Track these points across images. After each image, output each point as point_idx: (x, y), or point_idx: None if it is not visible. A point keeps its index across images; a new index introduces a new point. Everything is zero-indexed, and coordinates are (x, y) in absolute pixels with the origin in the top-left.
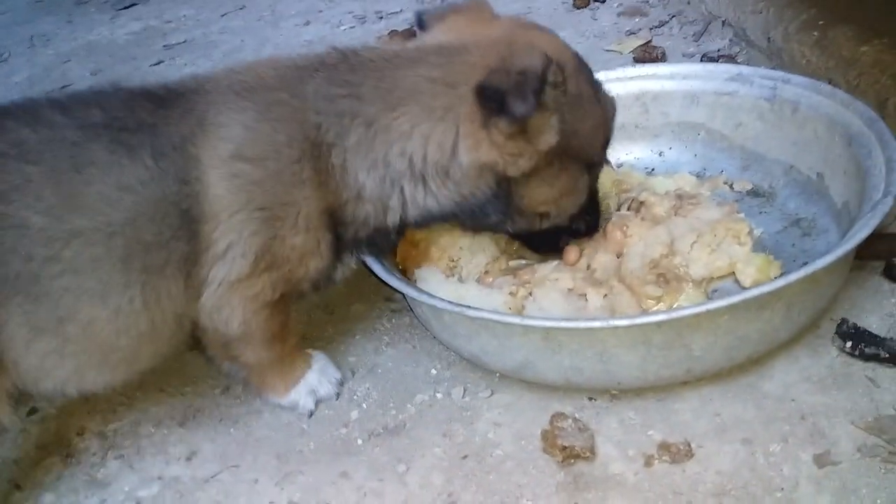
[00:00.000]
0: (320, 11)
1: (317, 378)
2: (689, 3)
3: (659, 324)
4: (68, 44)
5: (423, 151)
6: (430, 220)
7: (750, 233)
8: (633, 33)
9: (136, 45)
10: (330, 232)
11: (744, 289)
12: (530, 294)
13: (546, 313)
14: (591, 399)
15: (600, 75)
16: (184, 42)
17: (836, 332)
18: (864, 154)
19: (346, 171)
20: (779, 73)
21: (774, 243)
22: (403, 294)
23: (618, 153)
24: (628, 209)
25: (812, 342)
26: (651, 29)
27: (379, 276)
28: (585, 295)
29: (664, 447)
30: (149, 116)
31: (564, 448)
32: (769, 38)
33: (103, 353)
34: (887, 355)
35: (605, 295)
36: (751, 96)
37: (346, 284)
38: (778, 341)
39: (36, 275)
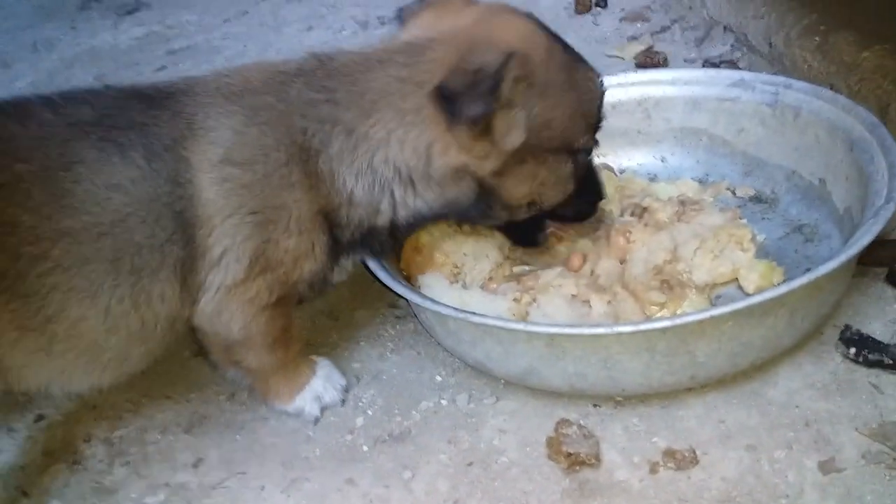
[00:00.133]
0: (322, 17)
1: (322, 384)
2: (690, 8)
3: (663, 330)
4: (72, 49)
5: (402, 157)
6: (422, 220)
7: (753, 239)
8: (635, 38)
9: (140, 51)
10: (325, 234)
11: (747, 295)
12: (534, 300)
13: (550, 319)
14: (595, 406)
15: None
16: (187, 48)
17: (840, 339)
18: (866, 159)
19: (335, 177)
20: (780, 79)
21: (777, 249)
22: (408, 300)
23: (620, 159)
24: (631, 215)
25: (816, 349)
26: (653, 34)
27: (383, 282)
28: (589, 301)
29: (669, 454)
30: (139, 116)
31: (569, 455)
32: (771, 44)
33: (92, 353)
34: (891, 361)
35: (609, 301)
36: (753, 102)
37: (350, 290)
38: (782, 348)
39: (23, 273)
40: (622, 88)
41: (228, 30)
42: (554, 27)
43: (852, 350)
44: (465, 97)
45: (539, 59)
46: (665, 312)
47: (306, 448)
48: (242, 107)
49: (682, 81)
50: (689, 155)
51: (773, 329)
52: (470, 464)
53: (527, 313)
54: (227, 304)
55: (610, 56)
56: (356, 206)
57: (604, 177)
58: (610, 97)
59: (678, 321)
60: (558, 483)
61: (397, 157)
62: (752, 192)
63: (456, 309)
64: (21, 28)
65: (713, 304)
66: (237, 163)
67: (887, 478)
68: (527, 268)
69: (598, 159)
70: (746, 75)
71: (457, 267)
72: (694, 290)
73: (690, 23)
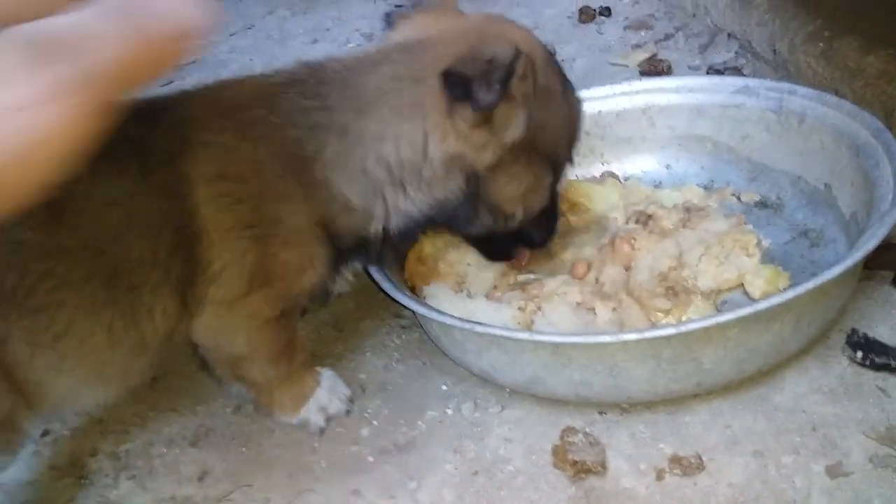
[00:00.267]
0: (328, 30)
1: (326, 395)
2: (694, 15)
3: (668, 337)
4: None
5: (397, 154)
6: (412, 226)
7: (758, 244)
8: (639, 46)
9: None
10: (324, 245)
11: (752, 300)
12: (539, 309)
13: (555, 328)
14: (601, 413)
15: (606, 89)
16: (193, 62)
17: (846, 343)
18: (872, 165)
19: (330, 185)
20: (785, 85)
21: (783, 254)
22: (413, 311)
23: (625, 167)
24: (636, 222)
25: (822, 353)
26: (657, 42)
27: (388, 292)
28: (594, 309)
29: (675, 460)
30: (133, 128)
31: (575, 463)
32: (775, 50)
33: (97, 369)
34: None
35: (614, 308)
36: (757, 108)
37: (355, 301)
38: (788, 353)
39: (32, 289)
40: (626, 97)
41: (234, 43)
42: (558, 36)
43: (859, 354)
44: (478, 82)
45: (540, 64)
46: (670, 319)
47: (312, 459)
48: (234, 122)
49: (686, 89)
50: (694, 161)
51: (779, 335)
52: (475, 473)
53: (532, 322)
54: (230, 319)
55: (614, 64)
56: (352, 212)
57: (609, 184)
58: (614, 106)
59: (683, 328)
60: (564, 491)
61: (391, 155)
62: (757, 198)
63: (461, 319)
64: None
65: (719, 310)
66: (232, 178)
67: (895, 481)
68: (531, 276)
69: (603, 167)
70: (751, 82)
71: (461, 277)
72: (699, 296)
73: (694, 30)
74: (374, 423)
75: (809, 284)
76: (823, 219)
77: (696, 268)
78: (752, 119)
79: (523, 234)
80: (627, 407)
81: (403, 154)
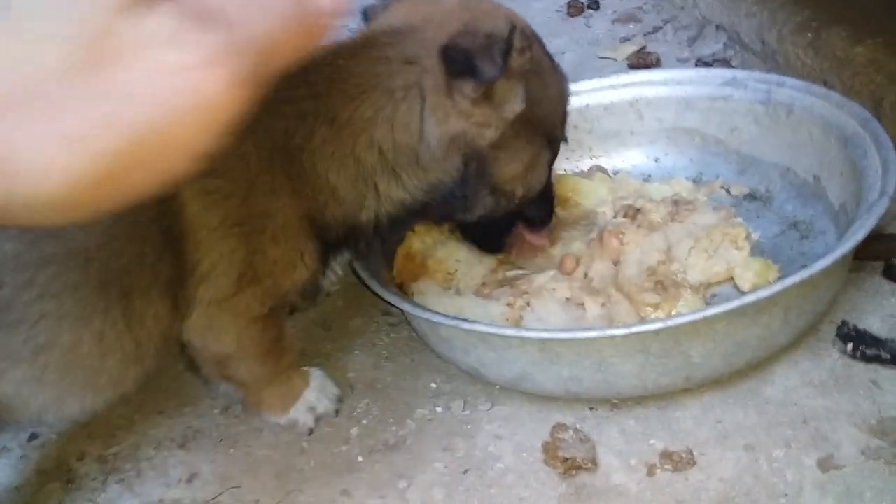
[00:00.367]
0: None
1: (315, 395)
2: (682, 8)
3: (656, 332)
4: None
5: (390, 137)
6: (404, 215)
7: (747, 237)
8: (628, 39)
9: None
10: (312, 240)
11: (742, 293)
12: (528, 304)
13: (544, 323)
14: (591, 409)
15: (594, 83)
16: None
17: (837, 335)
18: (860, 155)
19: (318, 174)
20: (773, 77)
21: (772, 247)
22: (401, 308)
23: (613, 160)
24: (624, 216)
25: (812, 345)
26: (645, 35)
27: (375, 290)
28: (583, 304)
29: (666, 456)
30: None
31: (566, 460)
32: (763, 41)
33: (87, 378)
34: (888, 356)
35: (603, 304)
36: (745, 100)
37: (343, 300)
38: (778, 346)
39: (8, 301)
40: (614, 90)
41: None
42: (547, 30)
43: (849, 346)
44: (480, 56)
45: (533, 39)
46: (660, 313)
47: (301, 460)
48: None
49: (673, 81)
50: (683, 154)
51: (768, 328)
52: (465, 471)
53: (521, 318)
54: (218, 318)
55: (602, 58)
56: (342, 202)
57: (598, 178)
58: (602, 99)
59: (671, 322)
60: (555, 488)
61: (384, 139)
62: (746, 191)
63: (447, 316)
64: None
65: (709, 304)
66: (217, 173)
67: (887, 473)
68: (520, 272)
69: (591, 161)
70: (738, 74)
71: (450, 273)
72: (689, 290)
73: (682, 22)
74: (364, 422)
75: (798, 277)
76: (813, 210)
77: (686, 261)
78: (741, 111)
79: (524, 215)
80: (618, 402)
81: (398, 137)
